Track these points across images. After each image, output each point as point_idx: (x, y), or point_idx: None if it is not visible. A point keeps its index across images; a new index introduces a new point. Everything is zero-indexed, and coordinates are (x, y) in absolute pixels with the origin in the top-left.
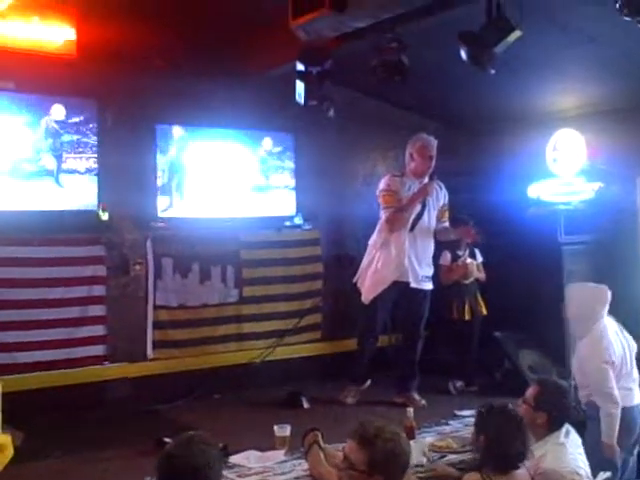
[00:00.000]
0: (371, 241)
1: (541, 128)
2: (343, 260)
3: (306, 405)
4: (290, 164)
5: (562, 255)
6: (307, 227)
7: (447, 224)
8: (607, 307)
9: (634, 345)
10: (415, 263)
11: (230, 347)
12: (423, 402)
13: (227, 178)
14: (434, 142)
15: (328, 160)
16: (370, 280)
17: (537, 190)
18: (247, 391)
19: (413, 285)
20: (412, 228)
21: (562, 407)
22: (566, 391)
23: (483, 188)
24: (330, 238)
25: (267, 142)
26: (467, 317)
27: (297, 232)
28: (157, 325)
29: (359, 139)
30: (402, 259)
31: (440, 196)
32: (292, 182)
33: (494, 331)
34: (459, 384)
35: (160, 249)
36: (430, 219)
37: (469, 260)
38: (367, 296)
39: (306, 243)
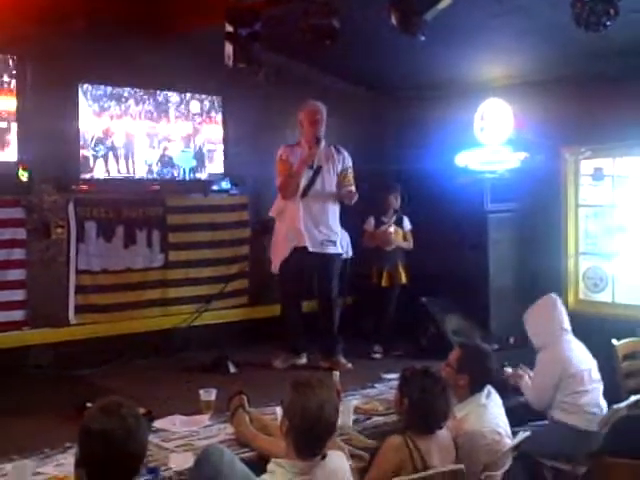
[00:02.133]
0: (270, 212)
1: (469, 97)
2: (269, 226)
3: (232, 369)
4: (218, 128)
5: (487, 223)
6: (235, 192)
7: (352, 188)
8: (561, 316)
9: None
10: (312, 227)
11: (155, 312)
12: (349, 365)
13: (153, 139)
14: (321, 107)
15: (256, 125)
16: (273, 250)
17: (465, 159)
18: (173, 357)
19: (312, 249)
20: (304, 194)
21: (484, 369)
22: (488, 354)
23: (411, 157)
24: (257, 204)
25: (195, 105)
26: (384, 284)
27: (224, 197)
28: (79, 290)
29: (287, 105)
30: (297, 224)
31: (338, 161)
32: (220, 146)
33: (421, 297)
34: (377, 348)
35: (83, 212)
36: (325, 184)
37: (393, 227)
38: (274, 266)
39: (233, 208)
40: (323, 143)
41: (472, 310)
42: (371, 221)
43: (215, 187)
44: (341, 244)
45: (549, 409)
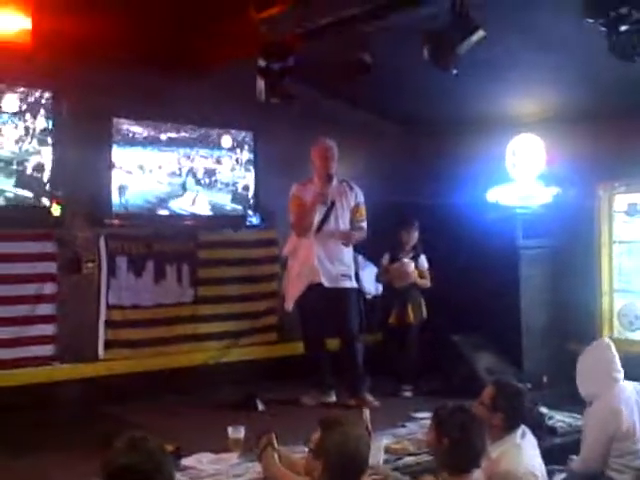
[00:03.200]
0: (284, 251)
1: (501, 132)
2: None
3: (261, 407)
4: (249, 163)
5: (519, 259)
6: (264, 227)
7: (363, 224)
8: (612, 364)
9: None
10: (326, 262)
11: (184, 348)
12: (375, 403)
13: (185, 175)
14: (331, 144)
15: (287, 159)
16: (286, 288)
17: (496, 194)
18: (201, 393)
19: (328, 285)
20: (318, 230)
21: (518, 408)
22: (522, 392)
23: (442, 192)
24: (287, 239)
25: (226, 140)
26: (392, 321)
27: (254, 232)
28: (110, 325)
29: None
30: (311, 261)
31: (350, 197)
32: (251, 181)
33: (452, 335)
34: (406, 387)
35: (114, 247)
36: (338, 219)
37: (406, 262)
38: (288, 304)
39: (263, 243)
40: (335, 180)
41: (504, 348)
42: (386, 256)
43: (246, 222)
44: (362, 279)
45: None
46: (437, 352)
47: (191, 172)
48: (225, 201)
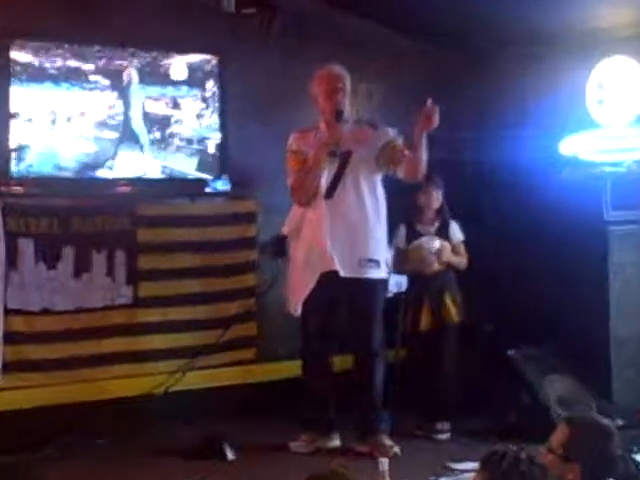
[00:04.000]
0: (284, 229)
1: (581, 53)
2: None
3: (230, 456)
4: (213, 102)
5: (608, 239)
6: (236, 195)
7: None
8: None
9: None
10: (344, 242)
11: (120, 371)
12: (396, 449)
13: (117, 121)
14: (341, 72)
15: (270, 97)
16: (290, 283)
17: (573, 145)
18: (145, 435)
19: (345, 274)
20: (329, 195)
21: (604, 456)
22: (609, 434)
23: (496, 143)
24: (271, 212)
25: (178, 68)
26: (425, 326)
27: (221, 202)
28: (9, 339)
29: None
30: (321, 241)
31: (375, 139)
32: (215, 129)
33: (506, 349)
34: (440, 425)
35: (14, 225)
36: (359, 176)
37: (436, 241)
38: (293, 306)
39: (235, 219)
40: (350, 121)
41: (585, 370)
42: (401, 232)
43: (208, 189)
44: (386, 264)
45: None
46: (485, 374)
47: (131, 121)
48: (179, 159)
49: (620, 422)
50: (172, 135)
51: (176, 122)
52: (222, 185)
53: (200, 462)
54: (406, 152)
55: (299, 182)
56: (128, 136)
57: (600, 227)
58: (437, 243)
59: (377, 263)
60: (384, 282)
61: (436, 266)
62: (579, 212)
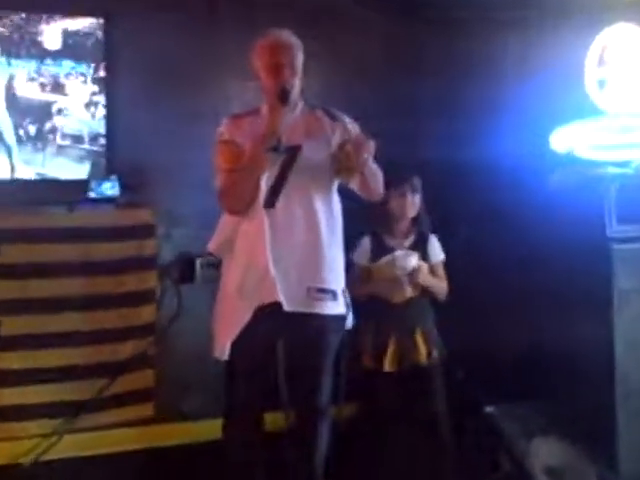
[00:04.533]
0: (210, 245)
1: (578, 22)
2: (203, 265)
3: None
4: (96, 78)
5: (612, 260)
6: (128, 202)
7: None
8: None
9: None
10: (289, 264)
11: None
12: None
13: None
14: (288, 38)
15: (174, 71)
16: (219, 317)
17: (568, 139)
18: None
19: (290, 308)
20: (270, 202)
21: None
22: None
23: (468, 135)
24: (175, 223)
25: (52, 34)
26: (389, 367)
27: (108, 212)
28: None
29: (242, 30)
30: (261, 259)
31: (331, 132)
32: (100, 114)
33: (484, 403)
34: None
35: None
36: (309, 178)
37: (412, 258)
38: (219, 347)
39: (127, 233)
40: (300, 104)
41: (582, 428)
42: (365, 244)
43: (90, 194)
44: (344, 297)
45: None
46: (455, 434)
47: None
48: (50, 155)
49: None
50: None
51: (58, 112)
52: (109, 189)
53: None
54: (362, 159)
55: (230, 184)
56: None
57: (602, 245)
58: (414, 261)
59: (333, 294)
60: (340, 319)
61: (409, 292)
62: (575, 225)
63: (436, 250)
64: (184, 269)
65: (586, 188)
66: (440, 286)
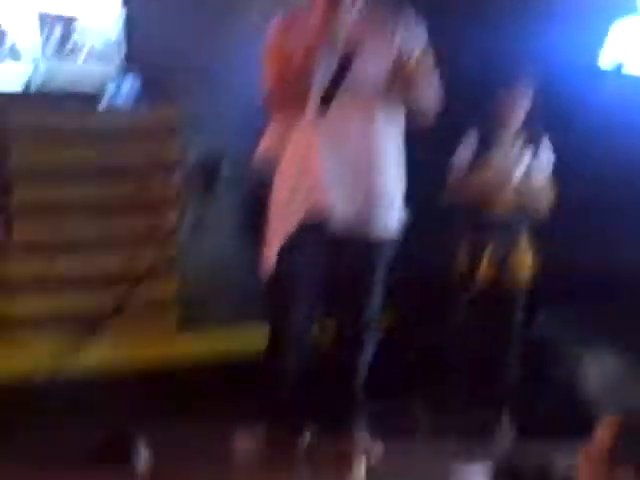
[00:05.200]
0: (258, 154)
1: None
2: (231, 171)
3: (144, 461)
4: None
5: None
6: (150, 100)
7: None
8: None
9: None
10: (345, 177)
11: None
12: (378, 453)
13: None
14: None
15: None
16: (268, 232)
17: (619, 46)
18: (22, 435)
19: (340, 223)
20: (323, 109)
21: None
22: None
23: (499, 42)
24: (200, 124)
25: None
26: (482, 284)
27: (128, 111)
28: None
29: None
30: (314, 168)
31: (393, 35)
32: (116, 10)
33: (534, 311)
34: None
35: None
36: (365, 84)
37: (521, 164)
38: (266, 261)
39: (148, 134)
40: (360, 2)
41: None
42: (469, 144)
43: (107, 93)
44: (399, 212)
45: None
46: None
47: None
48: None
49: None
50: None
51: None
52: (128, 86)
53: (102, 471)
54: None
55: (280, 89)
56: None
57: None
58: (522, 165)
59: (390, 209)
60: (394, 237)
61: (509, 201)
62: (626, 139)
63: (547, 157)
64: (210, 173)
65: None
66: (545, 195)
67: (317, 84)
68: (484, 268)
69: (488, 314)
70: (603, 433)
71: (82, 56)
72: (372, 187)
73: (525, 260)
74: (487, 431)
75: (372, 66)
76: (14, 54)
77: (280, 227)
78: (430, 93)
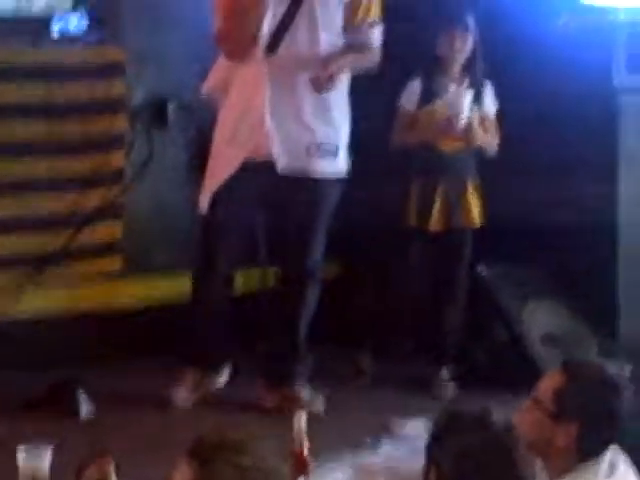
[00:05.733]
0: (204, 86)
1: None
2: (176, 109)
3: (86, 408)
4: None
5: (619, 114)
6: (97, 37)
7: (372, 32)
8: None
9: None
10: (288, 118)
11: None
12: (318, 405)
13: None
14: None
15: None
16: (209, 167)
17: None
18: None
19: (285, 167)
20: (273, 47)
21: (607, 413)
22: (615, 384)
23: None
24: (147, 61)
25: None
26: (435, 225)
27: (75, 48)
28: None
29: None
30: (258, 107)
31: None
32: None
33: (478, 265)
34: (445, 374)
35: None
36: (315, 26)
37: (466, 101)
38: (203, 199)
39: (95, 72)
40: None
41: (581, 296)
42: (413, 88)
43: (55, 27)
44: (345, 154)
45: None
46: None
47: None
48: None
49: (629, 370)
50: None
51: None
52: (75, 23)
53: (44, 420)
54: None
55: (230, 26)
56: None
57: (608, 97)
58: (467, 101)
59: (334, 151)
60: (339, 180)
61: (459, 140)
62: (580, 76)
63: (490, 99)
64: (156, 112)
65: (593, 36)
66: (490, 139)
67: (267, 23)
68: (437, 209)
69: (440, 257)
70: (546, 387)
71: None
72: (317, 126)
73: (475, 201)
74: (428, 382)
75: (322, 6)
76: None
77: (221, 164)
78: (378, 49)
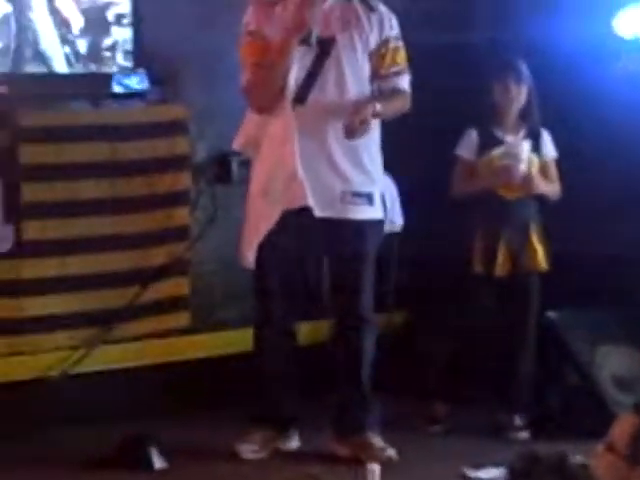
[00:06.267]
0: (235, 143)
1: None
2: (239, 164)
3: (159, 464)
4: None
5: None
6: (159, 96)
7: (401, 79)
8: None
9: None
10: (321, 167)
11: None
12: (390, 452)
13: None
14: None
15: None
16: (246, 224)
17: (635, 19)
18: (33, 436)
19: (321, 213)
20: (301, 99)
21: None
22: None
23: (517, 17)
24: (209, 120)
25: None
26: (500, 271)
27: (137, 107)
28: None
29: None
30: (289, 161)
31: (370, 26)
32: (125, 5)
33: (545, 309)
34: (520, 421)
35: None
36: (343, 75)
37: (524, 150)
38: (244, 253)
39: (157, 130)
40: None
41: None
42: (472, 137)
43: (117, 88)
44: (382, 200)
45: None
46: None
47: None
48: (75, 46)
49: None
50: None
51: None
52: (137, 82)
53: (117, 474)
54: (397, 78)
55: (258, 79)
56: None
57: None
58: (526, 150)
59: (369, 197)
60: (378, 224)
61: (519, 188)
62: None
63: (548, 146)
64: (219, 168)
65: None
66: (552, 185)
67: (294, 75)
68: (502, 255)
69: (508, 302)
70: (620, 431)
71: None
72: (350, 173)
73: (539, 245)
74: (502, 430)
75: (349, 58)
76: None
77: (257, 221)
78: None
